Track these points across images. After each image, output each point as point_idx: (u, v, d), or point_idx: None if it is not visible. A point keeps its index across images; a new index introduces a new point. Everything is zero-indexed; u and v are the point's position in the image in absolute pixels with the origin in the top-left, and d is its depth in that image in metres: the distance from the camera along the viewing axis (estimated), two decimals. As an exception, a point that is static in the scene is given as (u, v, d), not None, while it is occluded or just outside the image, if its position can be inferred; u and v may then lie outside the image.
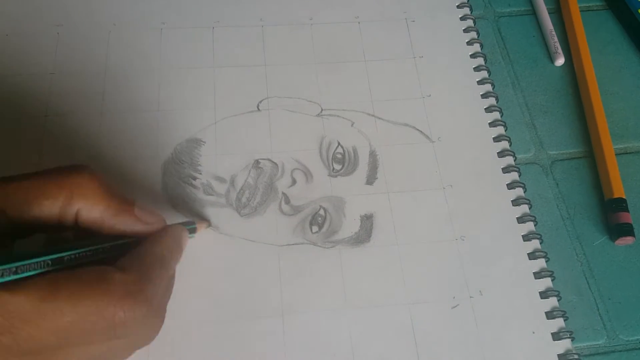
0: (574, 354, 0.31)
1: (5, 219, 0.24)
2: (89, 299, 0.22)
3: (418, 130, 0.38)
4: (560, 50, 0.42)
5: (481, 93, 0.39)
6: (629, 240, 0.35)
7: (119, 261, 0.25)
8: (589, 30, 0.43)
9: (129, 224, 0.27)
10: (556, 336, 0.32)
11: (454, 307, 0.32)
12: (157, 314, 0.26)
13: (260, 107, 0.38)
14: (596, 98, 0.40)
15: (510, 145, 0.38)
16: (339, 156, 0.36)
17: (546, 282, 0.33)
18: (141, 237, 0.27)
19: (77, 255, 0.24)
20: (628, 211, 0.35)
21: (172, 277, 0.29)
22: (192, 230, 0.31)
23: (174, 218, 0.32)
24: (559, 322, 0.32)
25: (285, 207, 0.34)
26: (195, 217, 0.33)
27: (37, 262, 0.23)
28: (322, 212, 0.34)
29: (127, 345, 0.25)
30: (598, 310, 0.34)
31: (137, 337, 0.25)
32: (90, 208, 0.26)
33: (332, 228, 0.34)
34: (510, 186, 0.36)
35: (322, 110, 0.38)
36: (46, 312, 0.21)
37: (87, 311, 0.22)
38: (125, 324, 0.23)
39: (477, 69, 0.40)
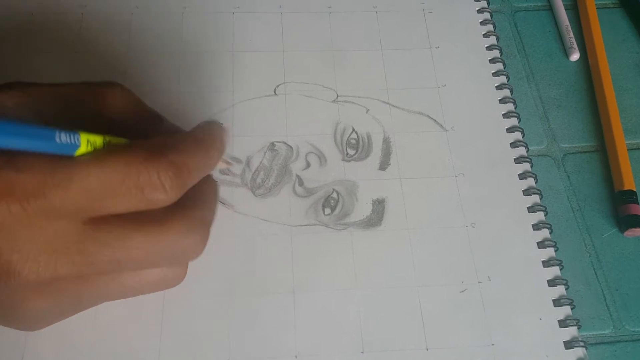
0: (580, 341, 0.32)
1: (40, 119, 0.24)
2: (113, 158, 0.22)
3: (432, 119, 0.38)
4: (575, 45, 0.43)
5: (496, 85, 0.40)
6: (638, 231, 0.35)
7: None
8: (605, 27, 0.44)
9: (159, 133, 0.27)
10: (563, 323, 0.32)
11: (462, 291, 0.33)
12: (192, 205, 0.25)
13: (277, 92, 0.38)
14: (610, 93, 0.40)
15: (523, 137, 0.38)
16: (353, 141, 0.37)
17: (554, 271, 0.34)
18: None
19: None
20: (638, 203, 0.36)
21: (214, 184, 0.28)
22: None
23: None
24: (566, 310, 0.33)
25: (298, 189, 0.35)
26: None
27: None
28: (334, 195, 0.35)
29: (177, 254, 0.25)
30: (605, 300, 0.34)
31: (187, 247, 0.25)
32: (121, 114, 0.26)
33: (344, 211, 0.35)
34: (522, 176, 0.36)
35: (337, 96, 0.38)
36: (72, 174, 0.21)
37: (113, 170, 0.22)
38: (153, 186, 0.22)
39: (493, 61, 0.40)
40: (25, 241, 0.22)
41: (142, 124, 0.27)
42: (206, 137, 0.26)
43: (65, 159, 0.22)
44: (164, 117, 0.28)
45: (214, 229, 0.33)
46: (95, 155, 0.22)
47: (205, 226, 0.26)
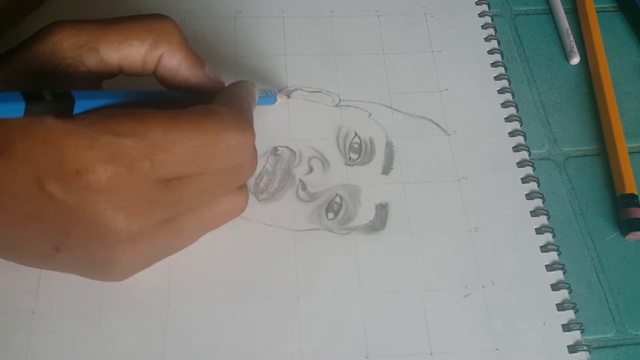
0: (583, 345, 0.32)
1: (99, 58, 0.26)
2: (207, 125, 0.25)
3: (434, 123, 0.38)
4: (575, 49, 0.43)
5: (497, 88, 0.40)
6: (639, 235, 0.35)
7: (215, 101, 0.28)
8: (605, 31, 0.44)
9: (200, 78, 0.30)
10: (566, 327, 0.32)
11: (466, 296, 0.33)
12: (254, 148, 0.29)
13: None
14: (610, 97, 0.40)
15: (525, 141, 0.38)
16: (356, 146, 0.37)
17: (557, 275, 0.34)
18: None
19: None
20: (639, 207, 0.36)
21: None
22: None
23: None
24: (569, 314, 0.33)
25: (302, 194, 0.35)
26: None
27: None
28: (338, 199, 0.35)
29: (239, 175, 0.29)
30: (608, 304, 0.34)
31: (246, 166, 0.29)
32: (171, 54, 0.28)
33: (347, 215, 0.35)
34: (525, 180, 0.36)
35: (340, 100, 0.39)
36: (175, 139, 0.24)
37: (208, 136, 0.25)
38: (238, 146, 0.26)
39: (494, 64, 0.41)
40: (129, 198, 0.24)
41: (189, 59, 0.29)
42: (250, 95, 0.30)
43: (160, 120, 0.24)
44: (203, 62, 0.30)
45: (219, 234, 0.33)
46: (190, 119, 0.24)
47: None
